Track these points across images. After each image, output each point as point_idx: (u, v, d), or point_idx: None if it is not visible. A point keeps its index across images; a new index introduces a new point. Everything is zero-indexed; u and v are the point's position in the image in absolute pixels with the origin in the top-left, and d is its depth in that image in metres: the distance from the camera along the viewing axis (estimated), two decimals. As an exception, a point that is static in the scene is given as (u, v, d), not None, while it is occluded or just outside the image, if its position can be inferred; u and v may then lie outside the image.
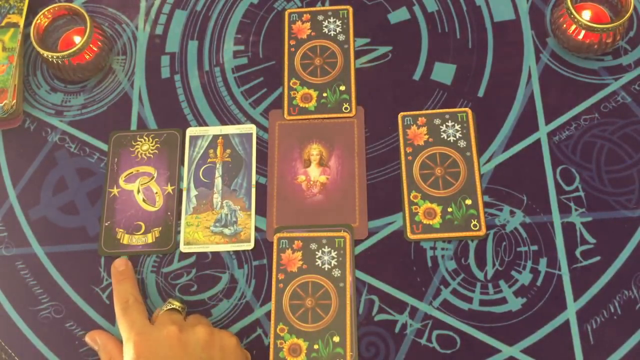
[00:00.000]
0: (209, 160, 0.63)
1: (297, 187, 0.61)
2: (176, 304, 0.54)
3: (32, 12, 0.69)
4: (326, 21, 0.68)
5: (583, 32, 0.60)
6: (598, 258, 0.57)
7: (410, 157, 0.61)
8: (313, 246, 0.58)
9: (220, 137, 0.64)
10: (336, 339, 0.55)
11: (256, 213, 0.61)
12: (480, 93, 0.63)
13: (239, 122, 0.65)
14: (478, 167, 0.60)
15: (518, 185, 0.60)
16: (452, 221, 0.58)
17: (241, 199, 0.61)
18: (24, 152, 0.65)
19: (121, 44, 0.69)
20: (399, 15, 0.68)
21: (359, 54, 0.66)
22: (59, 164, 0.64)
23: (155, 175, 0.63)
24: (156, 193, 0.62)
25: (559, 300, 0.56)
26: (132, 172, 0.63)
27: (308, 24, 0.68)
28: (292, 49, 0.67)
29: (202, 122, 0.65)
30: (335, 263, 0.58)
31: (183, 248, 0.60)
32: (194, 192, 0.62)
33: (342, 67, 0.65)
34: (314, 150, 0.62)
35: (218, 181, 0.62)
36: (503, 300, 0.56)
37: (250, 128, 0.64)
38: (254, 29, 0.69)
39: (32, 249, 0.61)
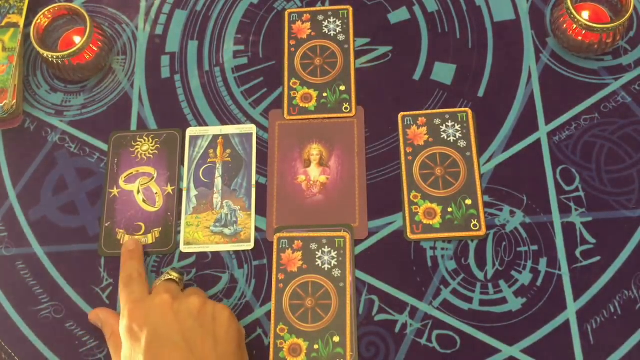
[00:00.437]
0: (209, 160, 0.63)
1: (297, 187, 0.61)
2: (174, 275, 0.56)
3: (32, 12, 0.69)
4: (326, 21, 0.68)
5: (583, 32, 0.60)
6: (598, 258, 0.57)
7: (410, 157, 0.61)
8: (313, 246, 0.58)
9: (220, 137, 0.64)
10: (336, 339, 0.55)
11: (256, 213, 0.61)
12: (480, 93, 0.63)
13: (239, 122, 0.65)
14: (478, 167, 0.60)
15: (518, 185, 0.60)
16: (452, 221, 0.58)
17: (241, 199, 0.61)
18: (24, 152, 0.65)
19: (121, 44, 0.69)
20: (399, 15, 0.68)
21: (359, 54, 0.66)
22: (59, 164, 0.64)
23: (155, 175, 0.63)
24: (156, 193, 0.62)
25: (559, 300, 0.56)
26: (132, 173, 0.63)
27: (308, 24, 0.68)
28: (292, 49, 0.67)
29: (202, 122, 0.65)
30: (335, 263, 0.58)
31: (183, 248, 0.60)
32: (194, 192, 0.62)
33: (342, 67, 0.65)
34: (314, 150, 0.62)
35: (218, 181, 0.62)
36: (503, 300, 0.56)
37: (250, 128, 0.64)
38: (254, 29, 0.69)
39: (32, 249, 0.61)
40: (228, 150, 0.63)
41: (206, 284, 0.59)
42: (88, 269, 0.60)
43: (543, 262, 0.57)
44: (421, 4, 0.68)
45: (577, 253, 0.57)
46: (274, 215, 0.60)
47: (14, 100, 0.65)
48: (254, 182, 0.62)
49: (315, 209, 0.60)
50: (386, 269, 0.58)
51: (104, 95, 0.67)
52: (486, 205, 0.59)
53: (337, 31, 0.67)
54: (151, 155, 0.63)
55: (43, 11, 0.65)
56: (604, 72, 0.63)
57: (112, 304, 0.59)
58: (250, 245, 0.60)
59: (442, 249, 0.58)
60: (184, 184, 0.62)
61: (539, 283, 0.56)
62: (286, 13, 0.69)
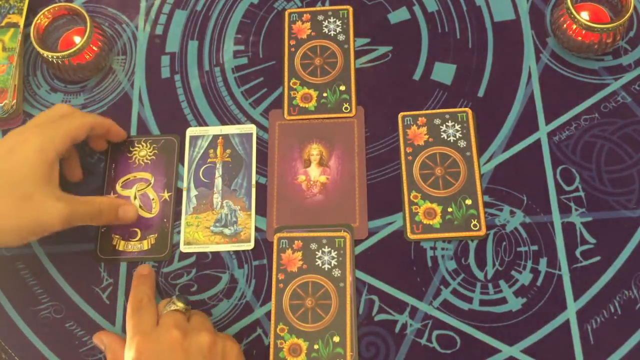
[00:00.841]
0: (209, 160, 0.63)
1: (297, 187, 0.61)
2: (180, 305, 0.53)
3: (32, 12, 0.69)
4: (326, 21, 0.68)
5: (583, 32, 0.60)
6: (598, 258, 0.57)
7: (410, 157, 0.61)
8: (313, 246, 0.58)
9: (220, 137, 0.64)
10: (336, 339, 0.55)
11: (256, 213, 0.61)
12: (480, 93, 0.64)
13: (239, 122, 0.65)
14: (478, 167, 0.60)
15: (518, 185, 0.60)
16: (452, 221, 0.58)
17: (241, 199, 0.61)
18: (24, 152, 0.65)
19: (121, 44, 0.69)
20: (399, 15, 0.68)
21: (359, 54, 0.66)
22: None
23: (152, 181, 0.62)
24: (153, 199, 0.62)
25: (559, 300, 0.56)
26: (129, 178, 0.63)
27: (308, 24, 0.68)
28: (292, 49, 0.67)
29: (202, 122, 0.65)
30: (335, 263, 0.58)
31: (183, 248, 0.60)
32: (194, 192, 0.62)
33: (342, 67, 0.65)
34: (314, 150, 0.62)
35: (218, 181, 0.62)
36: (503, 300, 0.56)
37: (250, 128, 0.64)
38: (254, 29, 0.69)
39: (32, 249, 0.61)
40: (228, 150, 0.63)
41: (206, 284, 0.59)
42: (88, 269, 0.60)
43: (543, 262, 0.57)
44: (421, 4, 0.68)
45: (577, 253, 0.57)
46: (274, 215, 0.60)
47: (14, 100, 0.65)
48: (254, 182, 0.62)
49: (315, 209, 0.60)
50: (386, 269, 0.58)
51: (104, 95, 0.67)
52: (486, 205, 0.59)
53: (337, 31, 0.67)
54: (149, 161, 0.63)
55: (43, 11, 0.65)
56: (604, 72, 0.63)
57: (112, 304, 0.59)
58: (250, 245, 0.60)
59: (442, 249, 0.58)
60: (184, 184, 0.62)
61: (539, 283, 0.56)
62: (286, 13, 0.69)
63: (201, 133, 0.64)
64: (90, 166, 0.64)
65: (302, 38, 0.67)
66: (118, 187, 0.62)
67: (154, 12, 0.70)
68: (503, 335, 0.55)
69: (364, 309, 0.57)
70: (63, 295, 0.60)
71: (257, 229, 0.60)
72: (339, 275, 0.57)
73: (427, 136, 0.62)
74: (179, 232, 0.61)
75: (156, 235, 0.60)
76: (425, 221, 0.59)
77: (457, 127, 0.62)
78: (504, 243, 0.58)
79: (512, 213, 0.59)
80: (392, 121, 0.63)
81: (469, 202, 0.59)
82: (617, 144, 0.60)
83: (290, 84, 0.65)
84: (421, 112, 0.63)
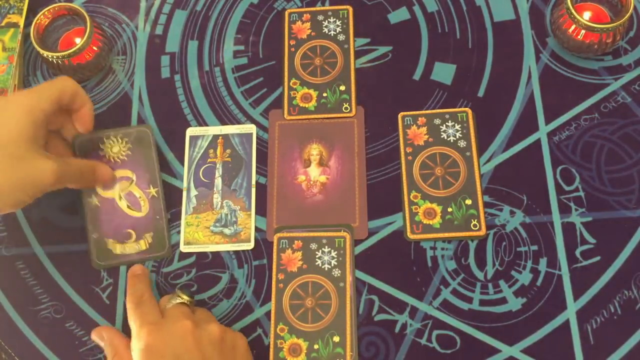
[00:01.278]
0: (209, 160, 0.63)
1: (297, 187, 0.61)
2: (184, 298, 0.53)
3: (32, 12, 0.69)
4: (326, 21, 0.68)
5: (583, 32, 0.60)
6: (598, 258, 0.57)
7: (410, 157, 0.61)
8: (313, 246, 0.58)
9: (220, 137, 0.64)
10: (336, 339, 0.55)
11: (256, 213, 0.61)
12: (480, 93, 0.64)
13: (239, 122, 0.65)
14: (478, 167, 0.60)
15: (518, 185, 0.60)
16: (452, 221, 0.58)
17: (241, 199, 0.61)
18: (24, 152, 0.65)
19: (121, 44, 0.69)
20: (399, 15, 0.68)
21: (359, 54, 0.66)
22: (59, 164, 0.64)
23: (135, 178, 0.60)
24: (140, 197, 0.60)
25: (559, 300, 0.56)
26: None
27: (308, 24, 0.68)
28: (292, 49, 0.67)
29: (202, 122, 0.65)
30: (335, 263, 0.58)
31: (183, 248, 0.60)
32: (194, 192, 0.62)
33: (342, 67, 0.65)
34: (314, 150, 0.62)
35: (218, 181, 0.62)
36: (503, 300, 0.56)
37: (250, 128, 0.64)
38: (254, 29, 0.69)
39: (32, 249, 0.61)
40: (228, 150, 0.63)
41: (206, 284, 0.59)
42: (88, 269, 0.60)
43: (543, 262, 0.57)
44: (421, 4, 0.68)
45: (577, 253, 0.57)
46: (274, 215, 0.60)
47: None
48: (254, 182, 0.62)
49: (315, 209, 0.60)
50: (386, 269, 0.58)
51: (104, 95, 0.67)
52: (486, 205, 0.59)
53: (337, 31, 0.67)
54: (125, 157, 0.60)
55: (43, 11, 0.65)
56: (604, 72, 0.63)
57: (112, 304, 0.59)
58: (250, 245, 0.60)
59: (442, 249, 0.58)
60: (184, 184, 0.62)
61: (539, 283, 0.56)
62: (286, 13, 0.69)
63: (201, 133, 0.64)
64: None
65: (302, 38, 0.67)
66: (99, 190, 0.60)
67: (154, 12, 0.70)
68: (503, 335, 0.55)
69: (364, 309, 0.57)
70: (63, 295, 0.60)
71: (257, 229, 0.60)
72: (339, 275, 0.57)
73: (427, 136, 0.62)
74: (176, 230, 0.61)
75: (152, 233, 0.59)
76: (425, 221, 0.59)
77: (457, 127, 0.62)
78: (504, 243, 0.58)
79: (512, 213, 0.59)
80: (392, 121, 0.63)
81: (469, 202, 0.59)
82: (617, 144, 0.60)
83: (290, 84, 0.65)
84: (421, 112, 0.63)
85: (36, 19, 0.64)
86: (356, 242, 0.59)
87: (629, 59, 0.64)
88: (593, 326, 0.55)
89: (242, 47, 0.68)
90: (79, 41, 0.63)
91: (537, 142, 0.61)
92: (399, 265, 0.58)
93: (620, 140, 0.61)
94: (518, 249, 0.58)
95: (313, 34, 0.67)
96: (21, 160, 0.51)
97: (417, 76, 0.65)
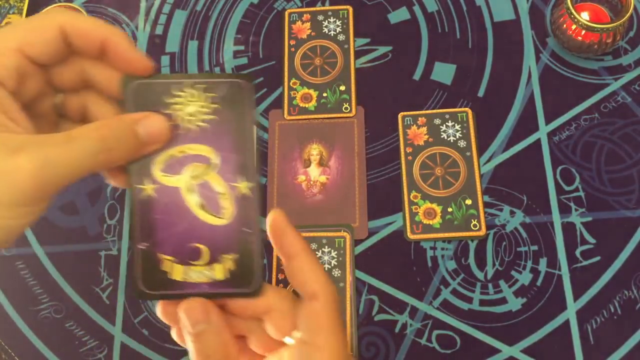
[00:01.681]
0: (209, 160, 0.63)
1: (297, 187, 0.61)
2: None
3: (32, 12, 0.69)
4: (326, 21, 0.68)
5: (583, 32, 0.60)
6: (598, 258, 0.57)
7: (410, 157, 0.61)
8: (313, 246, 0.58)
9: (220, 137, 0.64)
10: (336, 339, 0.55)
11: (256, 213, 0.60)
12: (480, 93, 0.63)
13: (239, 122, 0.65)
14: (478, 167, 0.60)
15: (518, 185, 0.60)
16: (452, 221, 0.58)
17: (241, 199, 0.61)
18: (24, 152, 0.65)
19: (121, 44, 0.69)
20: (399, 15, 0.68)
21: (359, 54, 0.66)
22: (59, 164, 0.64)
23: (217, 161, 0.35)
24: (221, 194, 0.35)
25: (559, 300, 0.56)
26: (173, 155, 0.35)
27: (308, 24, 0.68)
28: (292, 49, 0.67)
29: (202, 122, 0.65)
30: (336, 263, 0.58)
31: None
32: (194, 192, 0.62)
33: (342, 67, 0.65)
34: (314, 150, 0.62)
35: (218, 181, 0.62)
36: (503, 300, 0.56)
37: (251, 128, 0.64)
38: (254, 29, 0.69)
39: (32, 249, 0.61)
40: (228, 150, 0.63)
41: (206, 284, 0.59)
42: (88, 269, 0.60)
43: (543, 262, 0.57)
44: (421, 4, 0.68)
45: (577, 253, 0.57)
46: (274, 215, 0.60)
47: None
48: (254, 182, 0.61)
49: (315, 209, 0.60)
50: (386, 269, 0.58)
51: (104, 95, 0.67)
52: (486, 205, 0.59)
53: (337, 31, 0.67)
54: (204, 125, 0.35)
55: (43, 11, 0.65)
56: (604, 72, 0.63)
57: (112, 304, 0.59)
58: (250, 245, 0.58)
59: (442, 249, 0.58)
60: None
61: (539, 283, 0.56)
62: (286, 13, 0.69)
63: (201, 133, 0.64)
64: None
65: (302, 38, 0.67)
66: (156, 172, 0.35)
67: (154, 12, 0.70)
68: (503, 335, 0.55)
69: (364, 309, 0.57)
70: (63, 295, 0.60)
71: (257, 229, 0.60)
72: (339, 275, 0.57)
73: (427, 136, 0.62)
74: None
75: (236, 255, 0.35)
76: (425, 221, 0.59)
77: (457, 127, 0.62)
78: (504, 243, 0.58)
79: (512, 213, 0.59)
80: (392, 121, 0.63)
81: (469, 202, 0.59)
82: (617, 144, 0.60)
83: (290, 84, 0.65)
84: (421, 112, 0.63)
85: (36, 19, 0.64)
86: (356, 242, 0.59)
87: (629, 59, 0.64)
88: (593, 326, 0.55)
89: (242, 47, 0.68)
90: (79, 41, 0.63)
91: (537, 142, 0.61)
92: (399, 265, 0.58)
93: (620, 140, 0.61)
94: (518, 249, 0.58)
95: (313, 34, 0.67)
96: None
97: (417, 76, 0.65)
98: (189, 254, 0.36)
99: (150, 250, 0.35)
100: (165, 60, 0.68)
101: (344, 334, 0.35)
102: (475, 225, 0.58)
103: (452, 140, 0.61)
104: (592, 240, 0.57)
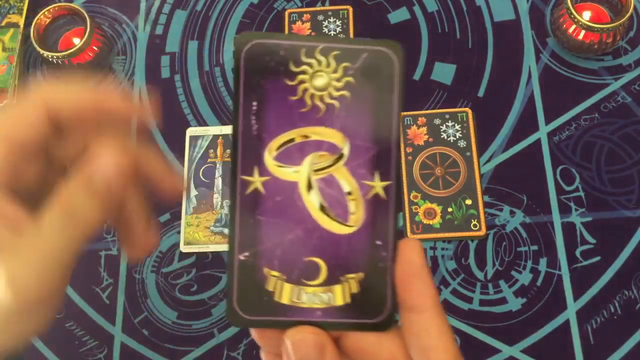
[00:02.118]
0: (209, 160, 0.63)
1: (297, 187, 0.61)
2: None
3: (32, 12, 0.69)
4: (326, 21, 0.68)
5: (583, 32, 0.60)
6: (598, 258, 0.57)
7: (410, 157, 0.61)
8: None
9: (220, 137, 0.64)
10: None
11: (256, 213, 0.60)
12: (480, 93, 0.63)
13: (239, 122, 0.65)
14: (478, 167, 0.60)
15: (518, 185, 0.60)
16: (452, 221, 0.58)
17: (241, 199, 0.61)
18: (24, 152, 0.65)
19: (121, 44, 0.69)
20: (399, 15, 0.68)
21: (359, 54, 0.66)
22: (59, 164, 0.64)
23: (347, 150, 0.28)
24: (349, 194, 0.28)
25: (559, 300, 0.56)
26: (292, 139, 0.28)
27: (308, 24, 0.68)
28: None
29: (202, 122, 0.65)
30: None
31: (183, 248, 0.60)
32: (194, 192, 0.62)
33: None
34: (314, 150, 0.62)
35: (218, 181, 0.62)
36: (503, 300, 0.56)
37: (251, 128, 0.64)
38: (254, 29, 0.69)
39: (32, 249, 0.61)
40: (228, 150, 0.63)
41: (206, 284, 0.59)
42: (88, 269, 0.60)
43: (543, 262, 0.57)
44: (421, 4, 0.68)
45: (577, 253, 0.57)
46: (274, 215, 0.60)
47: (14, 100, 0.65)
48: (254, 182, 0.61)
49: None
50: (386, 269, 0.58)
51: (104, 95, 0.67)
52: (486, 205, 0.59)
53: (337, 31, 0.67)
54: (335, 101, 0.28)
55: (43, 11, 0.65)
56: (604, 72, 0.63)
57: (112, 304, 0.59)
58: (250, 245, 0.58)
59: (442, 249, 0.58)
60: (184, 184, 0.62)
61: (539, 283, 0.56)
62: (286, 13, 0.69)
63: (201, 133, 0.64)
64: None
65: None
66: (269, 160, 0.27)
67: (154, 12, 0.70)
68: (503, 335, 0.55)
69: (364, 309, 0.57)
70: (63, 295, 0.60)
71: (257, 229, 0.60)
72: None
73: (427, 136, 0.62)
74: (176, 230, 0.60)
75: (362, 275, 0.27)
76: (425, 221, 0.59)
77: (457, 127, 0.62)
78: (504, 243, 0.58)
79: (512, 213, 0.59)
80: (392, 121, 0.63)
81: (469, 202, 0.59)
82: (617, 144, 0.60)
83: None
84: (421, 112, 0.63)
85: (36, 19, 0.64)
86: (356, 242, 0.59)
87: (629, 59, 0.64)
88: (593, 326, 0.55)
89: (242, 47, 0.68)
90: (78, 41, 0.63)
91: (537, 142, 0.61)
92: (399, 265, 0.58)
93: (620, 140, 0.61)
94: (518, 249, 0.58)
95: (313, 33, 0.67)
96: None
97: (417, 76, 0.65)
98: (303, 271, 0.27)
99: (253, 262, 0.27)
100: (165, 60, 0.68)
101: None
102: (475, 225, 0.58)
103: (452, 140, 0.61)
104: (592, 240, 0.57)
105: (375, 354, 0.27)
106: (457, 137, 0.61)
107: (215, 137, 0.64)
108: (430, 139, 0.62)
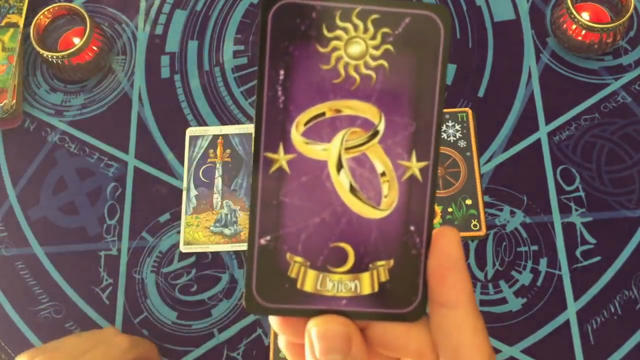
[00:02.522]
0: (209, 160, 0.63)
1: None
2: None
3: (32, 12, 0.69)
4: (326, 21, 0.67)
5: (583, 32, 0.60)
6: (598, 258, 0.57)
7: (410, 157, 0.61)
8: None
9: (220, 137, 0.64)
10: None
11: (256, 213, 0.60)
12: (480, 93, 0.63)
13: (239, 122, 0.65)
14: (478, 167, 0.60)
15: (518, 185, 0.60)
16: (452, 221, 0.58)
17: (241, 199, 0.61)
18: (24, 152, 0.65)
19: (121, 44, 0.69)
20: (399, 15, 0.68)
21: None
22: (58, 164, 0.64)
23: (382, 127, 0.25)
24: (384, 175, 0.25)
25: (559, 300, 0.56)
26: (323, 114, 0.25)
27: (308, 24, 0.68)
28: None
29: (202, 122, 0.65)
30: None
31: (183, 248, 0.60)
32: (194, 192, 0.62)
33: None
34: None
35: (218, 181, 0.62)
36: (503, 300, 0.56)
37: (250, 128, 0.64)
38: (254, 29, 0.69)
39: (32, 249, 0.61)
40: (228, 150, 0.63)
41: (206, 284, 0.59)
42: (88, 269, 0.60)
43: (543, 262, 0.57)
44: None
45: (577, 253, 0.57)
46: (274, 215, 0.60)
47: (14, 100, 0.65)
48: (254, 182, 0.61)
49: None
50: (386, 269, 0.58)
51: (103, 95, 0.67)
52: (486, 205, 0.59)
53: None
54: (370, 72, 0.25)
55: (43, 11, 0.65)
56: (604, 72, 0.63)
57: (112, 304, 0.59)
58: (250, 245, 0.58)
59: (442, 249, 0.58)
60: (184, 184, 0.62)
61: (539, 283, 0.56)
62: (286, 13, 0.69)
63: (201, 133, 0.64)
64: (91, 166, 0.64)
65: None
66: (296, 136, 0.25)
67: (154, 12, 0.70)
68: (503, 335, 0.55)
69: (364, 309, 0.57)
70: (63, 295, 0.60)
71: (257, 229, 0.60)
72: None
73: (427, 136, 0.62)
74: (176, 230, 0.60)
75: (392, 262, 0.26)
76: (425, 221, 0.59)
77: (457, 127, 0.62)
78: (504, 243, 0.58)
79: (512, 213, 0.59)
80: (392, 121, 0.63)
81: (469, 202, 0.59)
82: (617, 144, 0.60)
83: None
84: (421, 112, 0.63)
85: (36, 18, 0.64)
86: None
87: (629, 59, 0.64)
88: (593, 326, 0.55)
89: (242, 47, 0.68)
90: (78, 41, 0.63)
91: (537, 142, 0.61)
92: (399, 265, 0.58)
93: (620, 140, 0.61)
94: (518, 249, 0.58)
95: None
96: None
97: (417, 76, 0.65)
98: (329, 257, 0.25)
99: (275, 247, 0.25)
100: (165, 60, 0.68)
101: None
102: (475, 225, 0.58)
103: (452, 140, 0.61)
104: (592, 240, 0.57)
105: (402, 346, 0.25)
106: (457, 137, 0.61)
107: (215, 137, 0.64)
108: (430, 139, 0.62)
